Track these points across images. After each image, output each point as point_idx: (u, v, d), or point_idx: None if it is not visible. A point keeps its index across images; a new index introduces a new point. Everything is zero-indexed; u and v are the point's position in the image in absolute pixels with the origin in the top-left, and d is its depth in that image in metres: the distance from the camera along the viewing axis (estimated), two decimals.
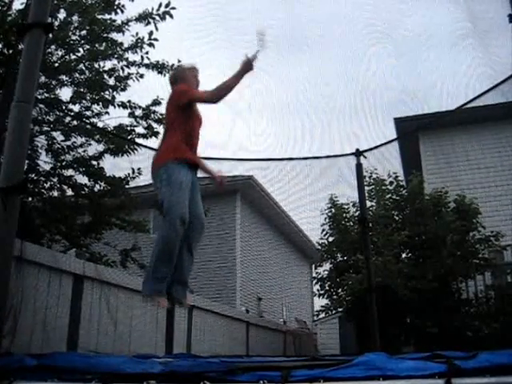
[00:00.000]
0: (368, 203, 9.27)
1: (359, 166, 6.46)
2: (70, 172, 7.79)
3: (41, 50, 3.03)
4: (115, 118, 7.93)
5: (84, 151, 7.79)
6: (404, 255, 9.75)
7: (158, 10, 7.31)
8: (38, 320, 4.77)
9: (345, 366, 2.07)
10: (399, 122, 12.52)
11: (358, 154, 6.46)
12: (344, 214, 10.36)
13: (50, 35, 6.59)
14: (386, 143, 6.50)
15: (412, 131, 11.99)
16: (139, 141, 7.87)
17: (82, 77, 7.57)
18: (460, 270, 8.75)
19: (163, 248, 3.76)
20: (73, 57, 7.41)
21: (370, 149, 6.50)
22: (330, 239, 10.52)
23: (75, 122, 7.72)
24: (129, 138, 7.90)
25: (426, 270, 8.71)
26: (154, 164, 3.91)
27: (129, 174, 7.91)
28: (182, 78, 4.15)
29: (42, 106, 7.24)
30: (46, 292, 4.98)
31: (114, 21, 7.43)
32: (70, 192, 7.95)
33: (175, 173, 3.72)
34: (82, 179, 7.84)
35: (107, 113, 7.87)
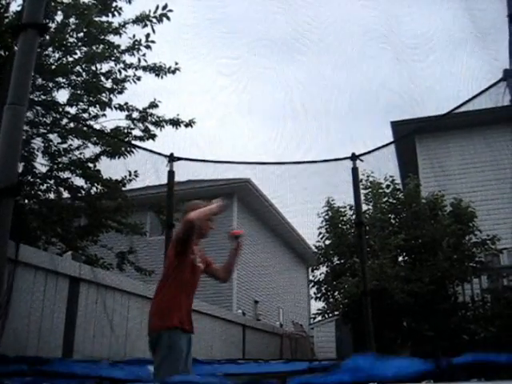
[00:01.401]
0: (364, 206, 9.28)
1: (355, 170, 6.47)
2: (66, 174, 7.78)
3: (35, 51, 3.02)
4: (112, 120, 7.94)
5: (80, 153, 7.79)
6: (400, 258, 9.75)
7: (155, 12, 7.32)
8: (34, 322, 4.76)
9: (332, 372, 2.07)
10: (396, 126, 12.53)
11: (354, 158, 6.46)
12: (341, 218, 10.36)
13: (47, 37, 6.61)
14: (381, 147, 6.51)
15: (408, 134, 12.00)
16: (136, 143, 7.87)
17: (79, 79, 7.57)
18: (456, 274, 8.75)
19: None
20: (70, 59, 7.41)
21: (366, 153, 6.51)
22: (327, 242, 10.51)
23: (72, 125, 7.72)
24: (125, 140, 7.90)
25: (423, 273, 8.71)
26: (155, 324, 3.55)
27: (125, 176, 7.91)
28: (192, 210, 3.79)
29: (38, 108, 7.23)
30: (42, 294, 4.97)
31: (111, 23, 7.44)
32: (66, 194, 7.94)
33: (178, 343, 3.47)
34: (79, 181, 7.84)
35: (104, 115, 7.88)
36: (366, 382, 1.96)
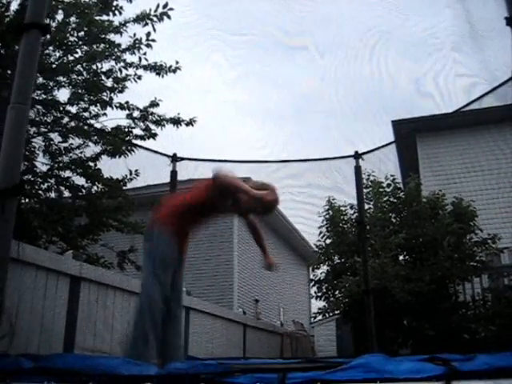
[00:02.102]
0: (365, 205, 9.28)
1: (358, 169, 6.47)
2: (67, 173, 7.78)
3: (38, 50, 3.03)
4: (113, 119, 7.94)
5: (81, 152, 7.78)
6: (401, 257, 9.76)
7: (155, 10, 7.31)
8: (35, 321, 4.76)
9: (342, 369, 2.07)
10: (397, 125, 12.53)
11: (357, 156, 6.46)
12: (342, 217, 10.36)
13: (48, 36, 6.61)
14: (384, 146, 6.50)
15: (409, 134, 12.01)
16: (137, 142, 7.87)
17: (80, 78, 7.56)
18: (457, 273, 8.76)
19: (146, 318, 3.56)
20: (70, 58, 7.41)
21: (369, 151, 6.50)
22: (328, 241, 10.52)
23: (73, 124, 7.71)
24: (126, 139, 7.89)
25: (424, 272, 8.71)
26: (155, 220, 3.75)
27: (126, 175, 7.91)
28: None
29: (39, 107, 7.23)
30: (43, 293, 4.97)
31: (112, 22, 7.44)
32: (67, 193, 7.93)
33: (169, 245, 3.63)
34: (80, 180, 7.84)
35: (105, 114, 7.87)
36: (376, 382, 1.96)
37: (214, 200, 3.70)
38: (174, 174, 6.18)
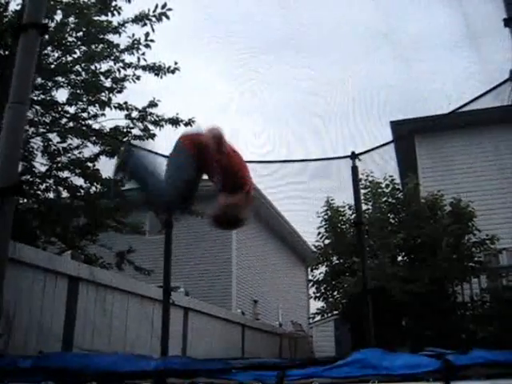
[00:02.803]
0: (364, 206, 9.28)
1: (355, 169, 6.46)
2: (65, 174, 7.78)
3: (36, 51, 3.03)
4: (111, 119, 7.94)
5: (80, 153, 7.79)
6: (400, 258, 9.76)
7: (154, 11, 7.32)
8: (33, 322, 4.76)
9: (339, 365, 2.07)
10: (395, 125, 12.53)
11: (354, 156, 6.46)
12: (340, 217, 10.37)
13: (47, 36, 6.61)
14: (381, 146, 6.49)
15: (407, 134, 12.01)
16: (135, 143, 7.86)
17: (79, 78, 7.57)
18: (455, 273, 8.76)
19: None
20: (69, 58, 7.41)
21: (366, 151, 6.50)
22: (326, 242, 10.52)
23: (71, 124, 7.72)
24: (125, 139, 7.89)
25: (422, 272, 8.71)
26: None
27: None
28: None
29: (38, 107, 7.23)
30: (42, 293, 4.97)
31: (111, 22, 7.44)
32: (65, 194, 7.94)
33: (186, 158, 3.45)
34: (78, 181, 7.84)
35: (103, 114, 7.87)
36: (374, 377, 1.96)
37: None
38: None
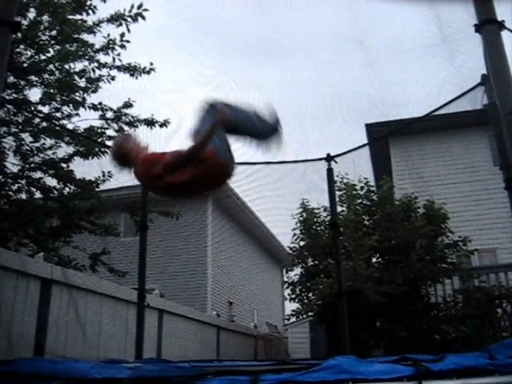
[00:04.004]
0: (339, 208, 9.34)
1: (330, 171, 6.50)
2: (38, 174, 7.66)
3: (7, 49, 2.96)
4: (86, 120, 7.84)
5: (53, 153, 7.67)
6: (374, 260, 9.84)
7: (130, 11, 7.26)
8: (4, 325, 4.67)
9: (314, 370, 2.07)
10: (370, 128, 12.65)
11: (329, 158, 6.50)
12: (315, 219, 10.42)
13: (19, 34, 6.50)
14: (356, 148, 6.55)
15: (382, 137, 12.15)
16: (110, 143, 7.79)
17: (52, 78, 7.46)
18: (429, 275, 8.87)
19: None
20: (42, 57, 7.30)
21: (341, 154, 6.55)
22: (302, 243, 10.56)
23: (44, 124, 7.60)
24: (99, 140, 7.81)
25: (396, 274, 8.80)
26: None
27: (99, 176, 7.83)
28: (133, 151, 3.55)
29: (10, 106, 7.11)
30: (13, 296, 4.88)
31: (85, 21, 7.36)
32: (38, 195, 7.82)
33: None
34: (51, 182, 7.73)
35: (77, 114, 7.78)
36: (348, 382, 1.97)
37: None
38: None
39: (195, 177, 3.28)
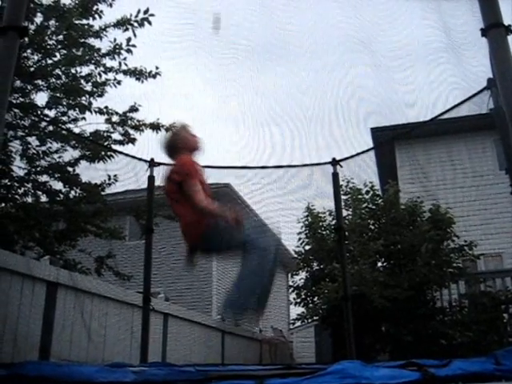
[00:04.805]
0: (344, 212, 9.32)
1: (335, 175, 6.50)
2: (44, 178, 7.70)
3: (15, 54, 2.98)
4: (92, 124, 7.88)
5: (59, 157, 7.71)
6: (380, 264, 9.82)
7: (136, 16, 7.30)
8: (10, 328, 4.68)
9: (319, 375, 2.07)
10: (376, 132, 12.64)
11: (335, 163, 6.49)
12: (320, 223, 10.41)
13: (26, 39, 6.55)
14: (362, 152, 6.54)
15: (388, 141, 12.13)
16: (116, 147, 7.82)
17: (59, 82, 7.50)
18: (435, 279, 8.84)
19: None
20: (49, 61, 7.34)
21: (347, 158, 6.54)
22: (307, 247, 10.55)
23: (51, 128, 7.63)
24: (105, 144, 7.84)
25: (402, 278, 8.78)
26: (197, 229, 3.55)
27: (105, 180, 7.85)
28: (185, 147, 3.78)
29: (16, 110, 7.15)
30: (19, 300, 4.90)
31: (92, 26, 7.40)
32: (44, 198, 7.85)
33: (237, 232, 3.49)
34: (57, 185, 7.76)
35: (84, 118, 7.81)
36: None
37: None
38: (151, 179, 6.13)
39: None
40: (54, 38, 7.26)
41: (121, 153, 7.02)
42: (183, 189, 3.54)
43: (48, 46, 7.21)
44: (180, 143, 3.83)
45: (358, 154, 6.53)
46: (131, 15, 7.31)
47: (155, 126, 8.09)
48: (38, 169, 7.60)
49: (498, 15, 3.00)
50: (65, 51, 7.39)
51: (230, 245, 3.55)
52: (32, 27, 6.98)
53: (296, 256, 10.77)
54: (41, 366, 2.37)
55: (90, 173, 7.78)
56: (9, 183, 7.40)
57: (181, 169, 3.64)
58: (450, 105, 5.34)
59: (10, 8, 3.00)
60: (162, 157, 6.27)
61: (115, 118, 7.99)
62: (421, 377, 2.02)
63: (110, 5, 7.47)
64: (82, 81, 7.63)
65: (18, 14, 2.99)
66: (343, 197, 9.57)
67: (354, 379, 2.00)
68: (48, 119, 7.61)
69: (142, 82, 7.85)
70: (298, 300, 10.55)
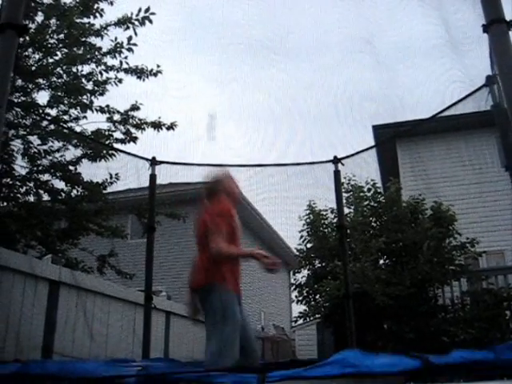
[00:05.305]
0: (346, 210, 9.31)
1: (337, 173, 6.50)
2: (46, 177, 7.70)
3: (14, 52, 2.96)
4: (93, 122, 7.89)
5: (61, 156, 7.72)
6: (381, 261, 9.80)
7: (137, 15, 7.30)
8: (12, 327, 4.69)
9: (320, 365, 2.08)
10: (377, 130, 12.62)
11: (336, 161, 6.49)
12: (322, 221, 10.40)
13: (27, 38, 6.55)
14: (363, 150, 6.54)
15: (389, 139, 12.11)
16: (117, 146, 7.83)
17: (60, 81, 7.51)
18: (436, 277, 8.83)
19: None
20: (50, 60, 7.35)
21: (348, 156, 6.54)
22: (309, 245, 10.54)
23: (52, 127, 7.64)
24: (107, 143, 7.85)
25: (404, 276, 8.77)
26: (201, 279, 3.56)
27: (106, 179, 7.86)
28: (223, 190, 3.81)
29: (18, 109, 7.16)
30: (21, 298, 4.91)
31: (93, 25, 7.41)
32: (46, 197, 7.86)
33: (229, 303, 3.42)
34: (59, 184, 7.77)
35: (85, 117, 7.82)
36: (354, 376, 1.97)
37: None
38: (152, 177, 6.13)
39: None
40: (54, 36, 7.27)
41: (122, 151, 7.03)
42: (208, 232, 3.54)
43: (49, 45, 7.22)
44: (221, 189, 3.84)
45: (359, 152, 6.53)
46: (132, 14, 7.32)
47: (157, 125, 8.10)
48: (40, 168, 7.61)
49: (499, 11, 2.98)
50: (66, 50, 7.40)
51: (218, 310, 3.43)
52: (33, 26, 6.99)
53: (298, 254, 10.76)
54: (44, 364, 2.38)
55: (91, 171, 7.79)
56: (11, 182, 7.41)
57: (213, 212, 3.67)
58: (451, 102, 5.34)
59: (8, 6, 2.98)
60: (163, 155, 6.29)
61: (117, 117, 8.00)
62: (421, 364, 2.02)
63: (111, 3, 7.48)
64: (83, 79, 7.64)
65: (17, 11, 2.97)
66: (345, 194, 9.56)
67: (354, 368, 2.01)
68: (49, 118, 7.62)
69: (144, 80, 7.86)
70: (300, 298, 10.54)
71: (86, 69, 7.66)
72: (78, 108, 7.70)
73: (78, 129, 7.79)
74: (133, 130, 8.06)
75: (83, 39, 7.39)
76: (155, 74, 7.88)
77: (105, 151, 7.60)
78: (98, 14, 7.36)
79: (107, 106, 7.88)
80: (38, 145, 7.55)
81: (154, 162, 6.13)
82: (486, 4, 3.03)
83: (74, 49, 7.43)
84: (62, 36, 7.29)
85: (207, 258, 3.54)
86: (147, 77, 7.85)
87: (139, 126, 8.05)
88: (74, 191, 7.84)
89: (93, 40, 7.48)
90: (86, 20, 7.38)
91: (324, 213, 10.42)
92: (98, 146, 7.62)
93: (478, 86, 4.74)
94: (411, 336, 8.34)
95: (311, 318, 11.28)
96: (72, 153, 7.73)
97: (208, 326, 3.43)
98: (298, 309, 11.17)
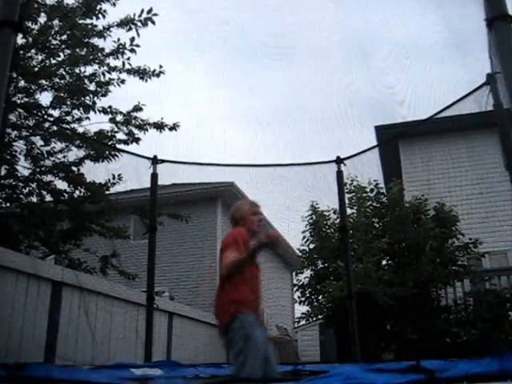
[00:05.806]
0: (349, 210, 9.30)
1: (340, 173, 6.49)
2: (49, 177, 7.71)
3: (11, 49, 2.94)
4: (96, 123, 7.89)
5: (64, 157, 7.72)
6: (384, 262, 9.79)
7: (139, 16, 7.31)
8: (15, 328, 4.70)
9: (323, 377, 2.06)
10: (380, 130, 12.61)
11: (339, 161, 6.49)
12: (325, 221, 10.38)
13: (30, 39, 6.56)
14: (365, 150, 6.53)
15: (391, 139, 12.10)
16: (120, 146, 7.83)
17: (63, 81, 7.52)
18: (439, 277, 8.81)
19: None
20: (53, 61, 7.36)
21: (351, 156, 6.53)
22: (311, 246, 10.53)
23: (55, 127, 7.65)
24: (109, 143, 7.85)
25: (406, 276, 8.75)
26: (222, 318, 3.45)
27: (109, 179, 7.86)
28: (241, 218, 3.77)
29: (21, 110, 7.17)
30: (24, 299, 4.91)
31: (96, 26, 7.41)
32: (49, 198, 7.86)
33: (253, 330, 3.29)
34: (62, 185, 7.77)
35: (88, 118, 7.83)
36: None
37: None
38: (154, 176, 6.13)
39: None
40: (57, 37, 7.28)
41: (124, 151, 7.04)
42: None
43: (52, 46, 7.24)
44: (239, 218, 3.81)
45: (361, 152, 6.53)
46: (135, 15, 7.32)
47: (159, 126, 8.10)
48: (43, 168, 7.62)
49: (503, 7, 2.94)
50: (68, 51, 7.41)
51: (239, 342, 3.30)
52: (36, 27, 7.00)
53: (300, 254, 10.75)
54: (47, 368, 2.37)
55: (94, 172, 7.79)
56: (13, 183, 7.42)
57: (226, 238, 3.65)
58: (452, 101, 5.33)
59: (4, 3, 2.96)
60: (165, 155, 6.30)
61: (119, 118, 8.00)
62: (426, 379, 2.00)
63: (114, 4, 7.49)
64: (86, 80, 7.65)
65: (13, 8, 2.95)
66: (347, 195, 9.55)
67: (357, 380, 1.99)
68: (52, 119, 7.63)
69: (146, 80, 7.86)
70: (303, 298, 10.52)
71: (88, 70, 7.68)
72: (81, 109, 7.71)
73: (80, 130, 7.80)
74: (135, 130, 8.07)
75: (86, 40, 7.40)
76: (158, 75, 7.89)
77: (107, 152, 7.61)
78: (100, 15, 7.37)
79: (110, 106, 7.89)
80: (41, 146, 7.57)
81: (155, 161, 6.13)
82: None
83: (77, 50, 7.44)
84: (64, 37, 7.30)
85: (226, 294, 3.45)
86: (150, 77, 7.86)
87: (141, 126, 8.05)
88: (77, 192, 7.84)
89: (95, 41, 7.50)
90: (88, 21, 7.39)
91: (326, 213, 10.41)
92: (100, 147, 7.62)
93: (478, 84, 4.73)
94: (414, 337, 8.32)
95: (314, 319, 11.27)
96: (75, 153, 7.74)
97: (233, 355, 3.37)
98: (300, 309, 11.17)
